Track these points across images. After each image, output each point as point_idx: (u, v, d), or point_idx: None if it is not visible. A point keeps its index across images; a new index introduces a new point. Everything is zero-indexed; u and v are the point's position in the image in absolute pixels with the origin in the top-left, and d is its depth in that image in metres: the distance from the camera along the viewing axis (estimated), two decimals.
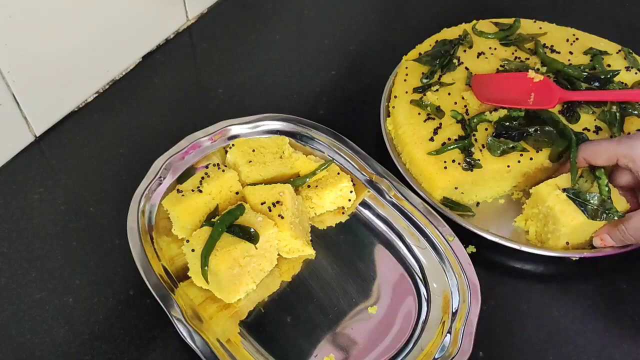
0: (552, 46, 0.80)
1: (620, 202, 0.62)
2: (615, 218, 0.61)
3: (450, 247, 0.64)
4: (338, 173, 0.70)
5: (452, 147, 0.69)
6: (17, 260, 0.66)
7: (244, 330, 0.61)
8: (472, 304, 0.60)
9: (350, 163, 0.72)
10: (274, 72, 0.88)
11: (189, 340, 0.57)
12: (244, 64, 0.88)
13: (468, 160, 0.68)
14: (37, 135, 0.77)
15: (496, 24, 0.83)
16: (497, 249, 0.66)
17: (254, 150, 0.70)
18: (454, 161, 0.68)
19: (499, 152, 0.68)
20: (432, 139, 0.70)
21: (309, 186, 0.69)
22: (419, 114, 0.73)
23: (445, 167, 0.68)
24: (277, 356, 0.59)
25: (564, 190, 0.63)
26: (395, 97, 0.76)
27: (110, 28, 0.79)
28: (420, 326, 0.61)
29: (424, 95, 0.74)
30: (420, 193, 0.69)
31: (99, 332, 0.61)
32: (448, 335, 0.58)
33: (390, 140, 0.74)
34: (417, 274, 0.65)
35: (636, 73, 0.76)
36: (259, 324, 0.61)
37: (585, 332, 0.62)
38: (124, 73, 0.85)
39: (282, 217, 0.63)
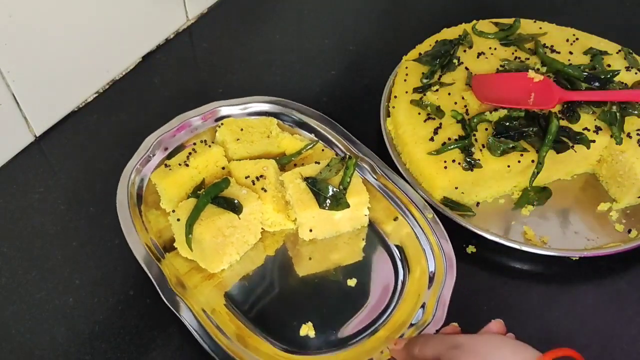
0: (552, 46, 0.80)
1: (360, 194, 0.64)
2: (344, 208, 0.63)
3: (429, 223, 0.65)
4: (322, 150, 0.72)
5: (452, 147, 0.69)
6: (17, 260, 0.66)
7: (227, 300, 0.63)
8: (447, 277, 0.62)
9: (335, 144, 0.74)
10: (274, 72, 0.88)
11: (172, 308, 0.58)
12: (244, 64, 0.88)
13: (468, 160, 0.68)
14: (37, 135, 0.77)
15: (496, 24, 0.83)
16: (497, 249, 0.66)
17: (242, 130, 0.72)
18: (454, 161, 0.68)
19: (499, 152, 0.68)
20: (432, 139, 0.70)
21: (295, 165, 0.71)
22: (419, 114, 0.73)
23: (446, 167, 0.68)
24: (259, 325, 0.61)
25: (305, 178, 0.65)
26: (395, 97, 0.76)
27: (110, 28, 0.79)
28: (397, 297, 0.63)
29: (424, 95, 0.74)
30: (421, 193, 0.69)
31: (99, 332, 0.61)
32: (423, 305, 0.61)
33: (390, 140, 0.74)
34: (395, 249, 0.67)
35: (636, 73, 0.76)
36: (243, 294, 0.63)
37: (585, 332, 0.62)
38: (124, 73, 0.85)
39: (265, 191, 0.65)
